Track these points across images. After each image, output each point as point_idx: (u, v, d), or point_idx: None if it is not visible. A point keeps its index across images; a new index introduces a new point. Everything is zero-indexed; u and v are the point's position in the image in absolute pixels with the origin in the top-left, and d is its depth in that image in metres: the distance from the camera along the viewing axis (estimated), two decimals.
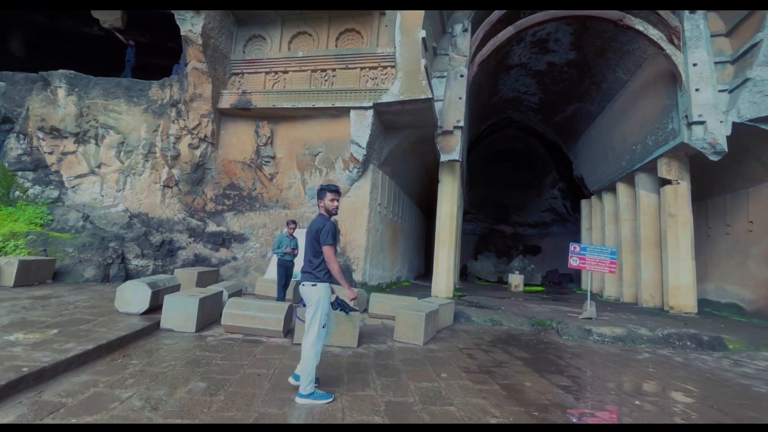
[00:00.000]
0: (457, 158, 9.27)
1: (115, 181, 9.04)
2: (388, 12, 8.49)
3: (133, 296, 5.20)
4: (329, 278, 3.28)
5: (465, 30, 9.70)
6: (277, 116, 9.25)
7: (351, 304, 3.44)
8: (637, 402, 3.65)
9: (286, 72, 9.10)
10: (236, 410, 2.87)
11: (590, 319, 7.05)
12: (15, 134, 9.04)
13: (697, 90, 8.21)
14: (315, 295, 3.21)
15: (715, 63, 8.38)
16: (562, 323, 6.75)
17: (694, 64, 8.33)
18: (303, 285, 3.27)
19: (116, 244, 8.08)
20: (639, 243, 10.94)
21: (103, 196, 8.99)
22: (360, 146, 8.56)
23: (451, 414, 3.08)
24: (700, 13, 8.56)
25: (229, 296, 6.15)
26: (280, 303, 5.58)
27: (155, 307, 5.32)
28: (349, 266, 8.74)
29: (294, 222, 6.80)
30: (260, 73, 9.23)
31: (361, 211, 8.92)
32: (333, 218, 3.51)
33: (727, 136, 8.01)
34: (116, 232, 8.38)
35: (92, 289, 6.69)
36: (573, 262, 7.42)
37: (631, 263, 11.45)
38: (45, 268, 6.93)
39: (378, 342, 5.19)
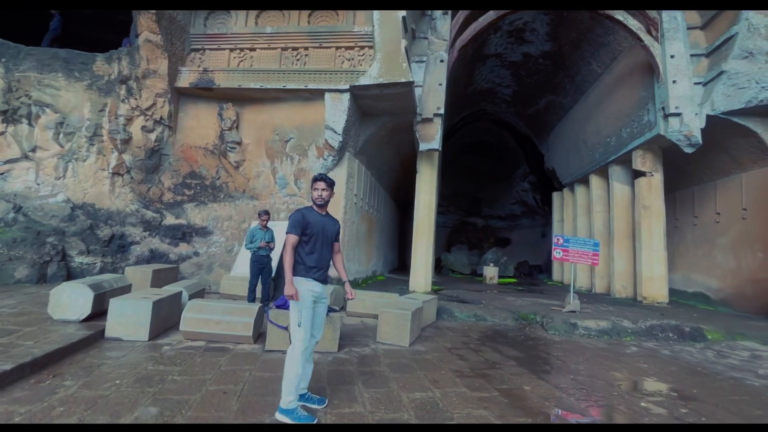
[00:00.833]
0: (436, 147, 8.88)
1: (53, 167, 7.90)
2: None
3: (71, 300, 4.41)
4: (305, 272, 2.90)
5: (445, 13, 9.26)
6: (243, 98, 8.45)
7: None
8: (643, 404, 3.42)
9: (253, 49, 8.30)
10: None
11: (574, 312, 6.92)
12: None
13: (674, 82, 8.23)
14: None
15: (691, 56, 8.44)
16: (547, 317, 6.57)
17: (672, 56, 8.35)
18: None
19: (55, 239, 7.06)
20: (612, 234, 11.08)
21: (39, 184, 7.84)
22: (336, 132, 7.96)
23: None
24: None
25: (190, 297, 5.45)
26: (250, 304, 4.98)
27: (100, 312, 4.57)
28: None
29: (267, 212, 6.14)
30: (224, 49, 8.38)
31: (337, 203, 8.33)
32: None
33: (701, 129, 8.11)
34: (55, 226, 7.33)
35: (23, 292, 5.74)
36: (557, 254, 7.26)
37: (603, 254, 11.57)
38: None
39: (360, 345, 4.73)
